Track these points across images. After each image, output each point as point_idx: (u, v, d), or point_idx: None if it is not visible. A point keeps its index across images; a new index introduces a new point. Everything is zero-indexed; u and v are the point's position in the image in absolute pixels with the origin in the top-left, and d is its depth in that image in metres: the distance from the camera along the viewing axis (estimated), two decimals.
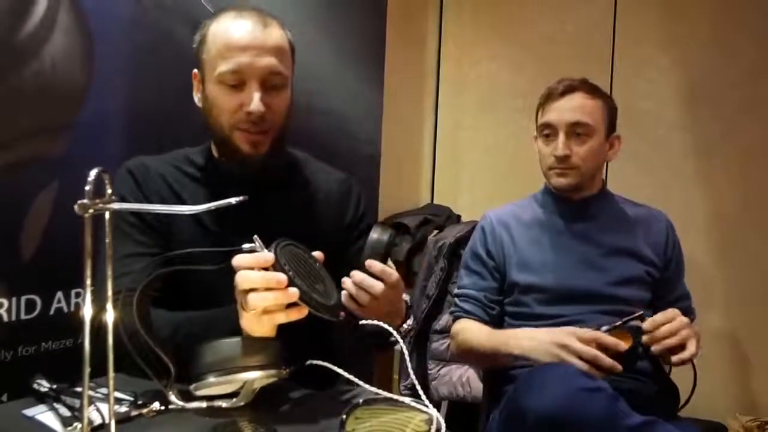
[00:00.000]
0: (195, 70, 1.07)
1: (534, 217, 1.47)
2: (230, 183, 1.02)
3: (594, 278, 1.38)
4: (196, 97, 1.07)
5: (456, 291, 1.51)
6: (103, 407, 0.75)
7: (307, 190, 1.15)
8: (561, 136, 1.37)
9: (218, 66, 0.99)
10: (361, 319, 0.87)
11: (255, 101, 0.97)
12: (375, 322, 0.85)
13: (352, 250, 1.12)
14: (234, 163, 1.04)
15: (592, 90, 1.40)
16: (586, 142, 1.37)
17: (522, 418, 0.99)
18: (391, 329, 0.84)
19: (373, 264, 0.88)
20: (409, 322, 1.01)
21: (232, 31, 0.99)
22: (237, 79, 0.98)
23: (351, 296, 0.89)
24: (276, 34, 1.02)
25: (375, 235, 0.92)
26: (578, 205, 1.44)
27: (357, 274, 0.88)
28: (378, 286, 0.87)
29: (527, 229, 1.45)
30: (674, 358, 1.15)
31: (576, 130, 1.37)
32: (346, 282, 0.89)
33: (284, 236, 0.81)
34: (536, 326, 1.38)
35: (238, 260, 0.76)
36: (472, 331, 1.40)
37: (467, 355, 1.43)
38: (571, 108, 1.37)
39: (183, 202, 1.05)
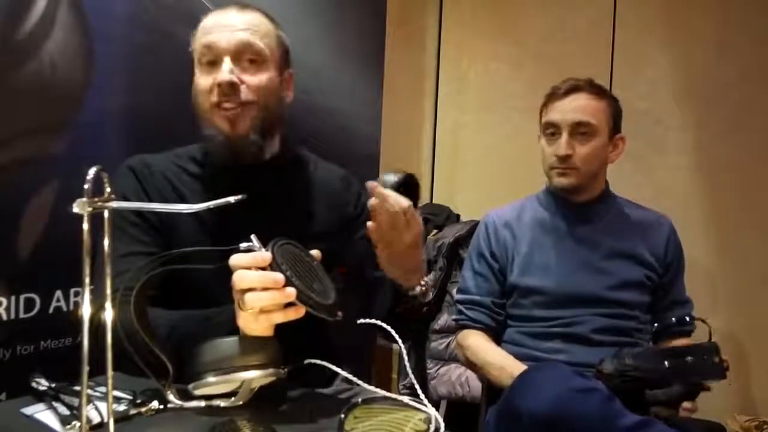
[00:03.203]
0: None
1: (536, 218, 1.47)
2: (231, 180, 1.02)
3: (594, 281, 1.37)
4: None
5: (459, 296, 1.50)
6: (102, 406, 0.75)
7: (308, 187, 1.15)
8: (564, 136, 1.36)
9: (197, 49, 1.02)
10: (359, 319, 0.87)
11: (223, 71, 0.99)
12: (374, 321, 0.85)
13: (350, 246, 1.12)
14: (216, 147, 1.04)
15: (597, 90, 1.40)
16: (589, 143, 1.37)
17: (517, 418, 0.99)
18: (389, 328, 0.83)
19: (380, 191, 0.87)
20: (431, 276, 1.00)
21: (211, 17, 1.03)
22: (211, 56, 1.00)
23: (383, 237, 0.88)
24: (252, 15, 1.04)
25: (386, 176, 0.91)
26: (580, 207, 1.44)
27: (377, 193, 0.87)
28: (402, 199, 0.87)
29: (529, 231, 1.45)
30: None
31: (579, 130, 1.36)
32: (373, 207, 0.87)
33: (284, 234, 0.81)
34: (533, 328, 1.39)
35: (235, 260, 0.76)
36: (490, 355, 1.38)
37: (478, 372, 1.45)
38: (574, 108, 1.37)
39: (184, 200, 1.05)
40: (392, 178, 0.91)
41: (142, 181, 1.05)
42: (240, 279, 0.76)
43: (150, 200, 1.03)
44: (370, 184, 0.89)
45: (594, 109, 1.37)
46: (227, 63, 0.99)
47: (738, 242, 2.17)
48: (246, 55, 1.01)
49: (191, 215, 1.03)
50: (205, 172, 1.09)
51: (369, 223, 0.90)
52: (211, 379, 0.75)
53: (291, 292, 0.74)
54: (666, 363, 1.10)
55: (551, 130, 1.40)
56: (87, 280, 0.60)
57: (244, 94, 1.00)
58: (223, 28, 1.01)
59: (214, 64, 1.00)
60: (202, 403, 0.79)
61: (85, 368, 0.60)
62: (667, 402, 1.13)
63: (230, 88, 0.99)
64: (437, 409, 0.75)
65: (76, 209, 0.60)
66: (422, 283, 0.96)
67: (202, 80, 1.01)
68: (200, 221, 1.04)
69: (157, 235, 1.03)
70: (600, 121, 1.37)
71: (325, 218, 1.13)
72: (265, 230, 0.79)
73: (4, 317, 1.24)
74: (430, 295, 0.98)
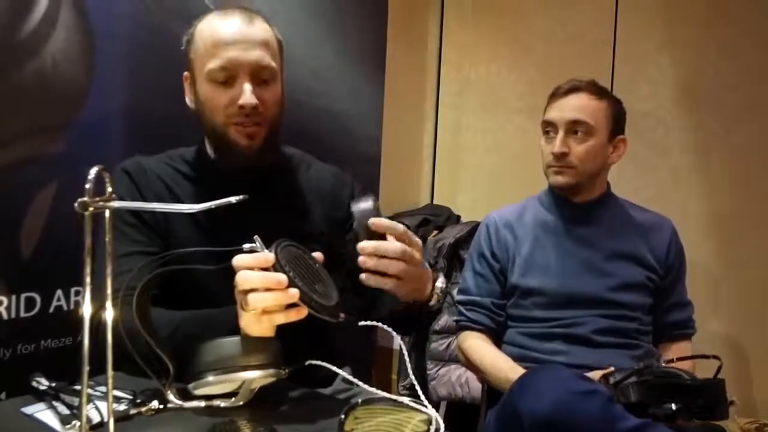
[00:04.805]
0: (186, 72, 1.07)
1: (537, 219, 1.47)
2: (225, 181, 1.02)
3: (595, 283, 1.37)
4: (188, 99, 1.08)
5: (460, 297, 1.50)
6: (102, 405, 0.75)
7: (302, 188, 1.15)
8: (560, 134, 1.37)
9: (207, 64, 1.00)
10: (360, 320, 0.87)
11: (246, 94, 0.98)
12: (374, 323, 0.84)
13: (345, 244, 1.12)
14: (230, 158, 1.04)
15: (598, 91, 1.40)
16: (585, 141, 1.37)
17: (517, 420, 0.99)
18: (391, 330, 0.83)
19: (378, 222, 0.83)
20: (441, 279, 0.95)
21: (218, 28, 1.01)
22: (227, 75, 0.99)
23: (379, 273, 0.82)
24: (262, 29, 1.03)
25: (360, 204, 0.87)
26: (581, 208, 1.44)
27: (367, 245, 0.82)
28: (397, 245, 0.83)
29: (530, 232, 1.45)
30: None
31: (575, 129, 1.37)
32: (366, 262, 0.82)
33: (280, 234, 0.80)
34: (534, 329, 1.39)
35: (238, 260, 0.76)
36: (489, 357, 1.38)
37: (478, 374, 1.46)
38: (572, 107, 1.37)
39: (180, 202, 1.05)
40: (369, 204, 0.86)
41: (137, 183, 1.05)
42: (243, 279, 0.76)
43: (146, 202, 1.03)
44: (373, 221, 0.83)
45: (593, 108, 1.37)
46: (249, 85, 0.99)
47: (739, 243, 2.17)
48: (261, 76, 1.01)
49: (188, 216, 1.03)
50: (199, 174, 1.09)
51: (362, 276, 0.82)
52: (211, 378, 0.75)
53: (294, 293, 0.74)
54: (673, 406, 1.08)
55: (548, 129, 1.40)
56: (88, 279, 0.60)
57: (261, 111, 1.01)
58: (237, 44, 0.99)
59: (229, 81, 1.00)
60: (202, 403, 0.79)
61: (86, 368, 0.60)
62: (663, 418, 1.12)
63: (253, 110, 0.99)
64: (437, 410, 0.75)
65: (77, 209, 0.60)
66: (436, 288, 0.95)
67: (218, 96, 1.00)
68: (196, 222, 1.04)
69: (154, 235, 1.03)
70: (598, 121, 1.37)
71: (319, 219, 1.13)
72: (260, 231, 0.79)
73: (5, 316, 1.24)
74: (438, 297, 0.97)
